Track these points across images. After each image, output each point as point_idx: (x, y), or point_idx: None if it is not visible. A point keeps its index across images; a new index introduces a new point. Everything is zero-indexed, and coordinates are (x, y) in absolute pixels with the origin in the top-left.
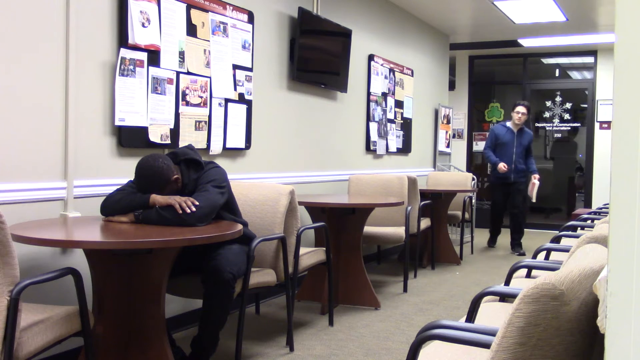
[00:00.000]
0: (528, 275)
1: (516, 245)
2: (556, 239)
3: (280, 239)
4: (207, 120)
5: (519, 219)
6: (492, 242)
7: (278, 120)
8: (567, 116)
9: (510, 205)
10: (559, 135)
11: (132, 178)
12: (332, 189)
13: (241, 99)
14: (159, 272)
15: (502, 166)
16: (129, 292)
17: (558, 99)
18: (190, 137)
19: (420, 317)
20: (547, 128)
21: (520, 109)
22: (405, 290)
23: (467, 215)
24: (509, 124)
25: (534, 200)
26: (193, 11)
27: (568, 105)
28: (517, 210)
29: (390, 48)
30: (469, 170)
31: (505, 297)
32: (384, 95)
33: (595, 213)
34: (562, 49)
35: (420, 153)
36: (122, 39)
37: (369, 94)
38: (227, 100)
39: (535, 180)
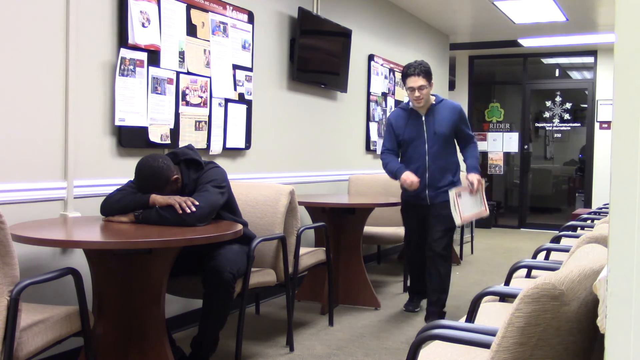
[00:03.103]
0: (528, 275)
1: (432, 310)
2: (556, 239)
3: (280, 239)
4: (207, 120)
5: (438, 267)
6: (410, 303)
7: (278, 120)
8: (567, 116)
9: (428, 242)
10: (559, 135)
11: (132, 178)
12: (332, 189)
13: (241, 99)
14: (159, 272)
15: (406, 178)
16: (129, 292)
17: (558, 99)
18: (190, 137)
19: (420, 317)
20: (547, 128)
21: (412, 81)
22: (405, 290)
23: None
24: (412, 103)
25: (458, 223)
26: (193, 11)
27: (568, 105)
28: (437, 251)
29: (390, 48)
30: None
31: (505, 297)
32: (384, 95)
33: (595, 213)
34: (562, 49)
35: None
36: (122, 39)
37: (369, 94)
38: (227, 100)
39: (469, 182)
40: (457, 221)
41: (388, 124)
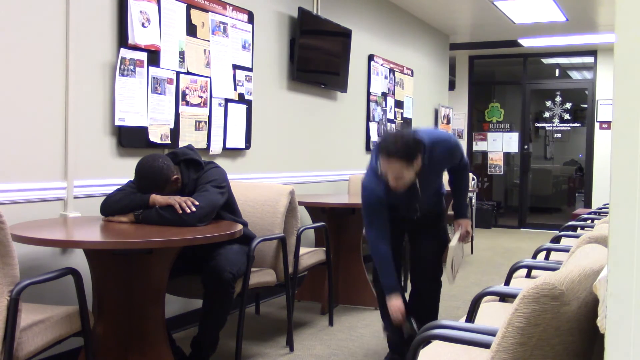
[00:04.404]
0: (528, 275)
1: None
2: (556, 239)
3: (280, 239)
4: (207, 120)
5: (432, 293)
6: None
7: (278, 120)
8: (567, 116)
9: (416, 263)
10: (559, 135)
11: (132, 178)
12: (332, 189)
13: (241, 99)
14: (159, 272)
15: (395, 310)
16: (129, 292)
17: (558, 99)
18: (190, 137)
19: None
20: (547, 128)
21: (385, 164)
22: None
23: None
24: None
25: (451, 283)
26: (193, 11)
27: (568, 105)
28: (435, 277)
29: (390, 48)
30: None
31: (505, 297)
32: (384, 95)
33: (595, 213)
34: (562, 49)
35: None
36: (122, 39)
37: (369, 94)
38: (227, 100)
39: (460, 231)
40: (451, 281)
41: (371, 200)
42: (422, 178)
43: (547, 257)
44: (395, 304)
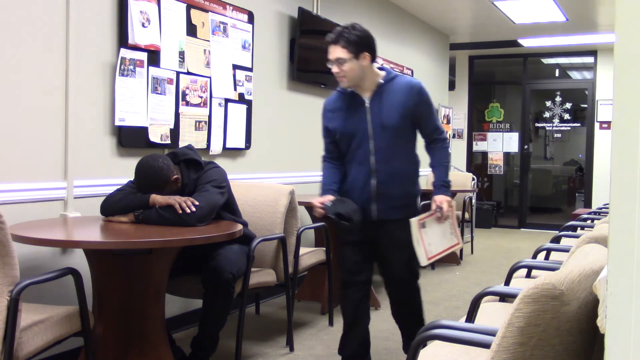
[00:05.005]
0: (528, 275)
1: (409, 343)
2: (556, 239)
3: (280, 239)
4: (207, 120)
5: (410, 305)
6: None
7: (278, 120)
8: (567, 116)
9: (385, 277)
10: (559, 135)
11: (132, 178)
12: None
13: (241, 99)
14: (159, 272)
15: (317, 203)
16: (129, 292)
17: (558, 99)
18: (190, 137)
19: None
20: (547, 128)
21: (330, 51)
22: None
23: (467, 216)
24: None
25: (423, 263)
26: (193, 11)
27: (568, 105)
28: (402, 287)
29: (390, 48)
30: (469, 170)
31: (505, 297)
32: None
33: (595, 213)
34: (562, 49)
35: (420, 153)
36: (122, 39)
37: None
38: (227, 100)
39: (436, 206)
40: (423, 261)
41: (322, 115)
42: (374, 105)
43: (547, 257)
44: (323, 198)
